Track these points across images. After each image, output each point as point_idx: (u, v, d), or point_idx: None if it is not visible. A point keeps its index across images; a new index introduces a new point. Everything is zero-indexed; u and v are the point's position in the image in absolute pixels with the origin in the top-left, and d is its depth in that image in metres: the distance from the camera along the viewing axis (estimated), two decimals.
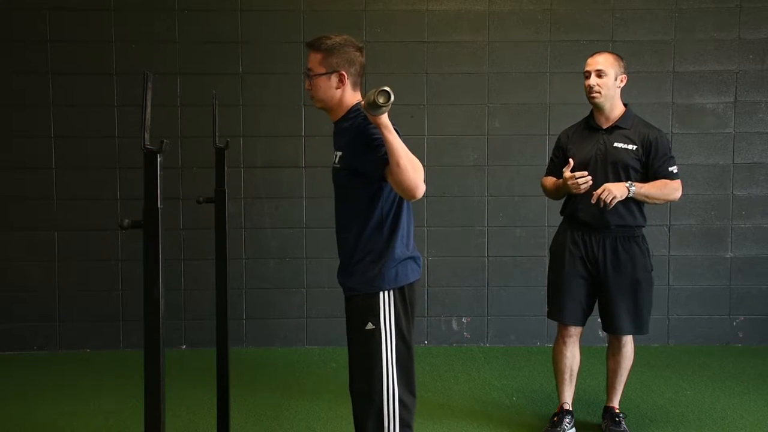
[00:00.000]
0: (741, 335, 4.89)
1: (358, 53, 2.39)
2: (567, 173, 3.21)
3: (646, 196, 3.20)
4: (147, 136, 1.68)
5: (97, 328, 4.75)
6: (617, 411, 3.42)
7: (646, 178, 3.25)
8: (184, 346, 4.78)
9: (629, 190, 3.13)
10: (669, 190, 3.22)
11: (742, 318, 4.88)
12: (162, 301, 1.71)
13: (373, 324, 2.32)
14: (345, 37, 2.39)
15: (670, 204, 4.77)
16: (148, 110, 1.69)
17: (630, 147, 3.24)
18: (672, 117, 4.82)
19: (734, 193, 4.86)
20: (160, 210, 1.69)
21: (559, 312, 3.35)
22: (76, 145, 4.68)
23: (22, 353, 4.68)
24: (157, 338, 1.71)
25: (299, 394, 3.96)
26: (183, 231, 4.73)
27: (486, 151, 4.80)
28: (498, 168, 4.81)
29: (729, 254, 4.88)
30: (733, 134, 4.84)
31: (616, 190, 3.10)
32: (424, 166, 2.21)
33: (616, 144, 3.26)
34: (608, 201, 3.09)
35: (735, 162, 4.85)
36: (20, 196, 4.68)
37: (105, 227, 4.68)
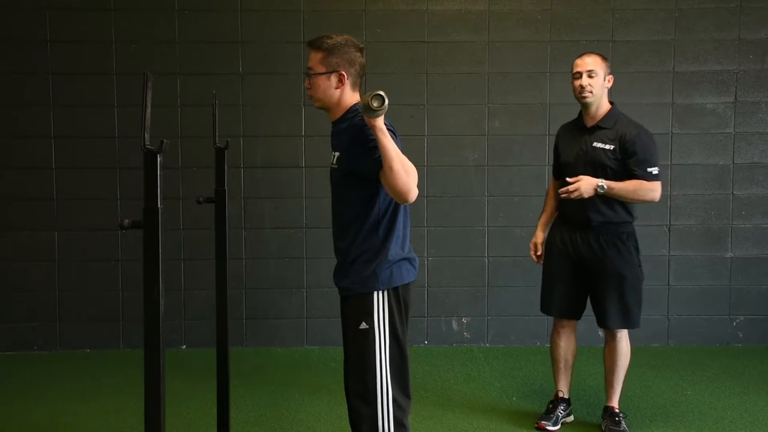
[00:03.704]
0: (741, 335, 4.89)
1: (358, 54, 2.39)
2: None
3: (619, 196, 3.20)
4: (147, 136, 1.68)
5: (97, 328, 4.75)
6: (617, 411, 3.43)
7: (624, 177, 3.23)
8: (184, 346, 4.78)
9: (596, 191, 3.15)
10: (644, 191, 3.20)
11: (742, 318, 4.88)
12: (162, 301, 1.71)
13: (367, 324, 2.32)
14: (346, 37, 2.39)
15: (670, 204, 4.79)
16: (148, 110, 1.69)
17: (608, 147, 3.24)
18: (672, 117, 4.82)
19: (734, 193, 4.86)
20: (160, 210, 1.69)
21: (547, 306, 3.49)
22: (76, 145, 4.68)
23: (22, 353, 4.68)
24: (157, 338, 1.71)
25: (299, 394, 3.96)
26: (183, 231, 4.73)
27: (486, 151, 4.80)
28: (498, 168, 4.81)
29: (729, 254, 4.88)
30: (733, 134, 4.84)
31: (584, 189, 3.14)
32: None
33: (595, 144, 3.28)
34: (572, 196, 3.15)
35: (735, 162, 4.85)
36: (20, 196, 4.68)
37: (105, 227, 4.68)
